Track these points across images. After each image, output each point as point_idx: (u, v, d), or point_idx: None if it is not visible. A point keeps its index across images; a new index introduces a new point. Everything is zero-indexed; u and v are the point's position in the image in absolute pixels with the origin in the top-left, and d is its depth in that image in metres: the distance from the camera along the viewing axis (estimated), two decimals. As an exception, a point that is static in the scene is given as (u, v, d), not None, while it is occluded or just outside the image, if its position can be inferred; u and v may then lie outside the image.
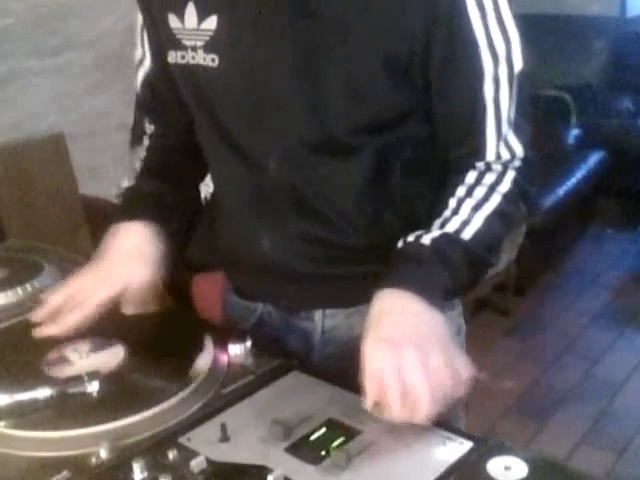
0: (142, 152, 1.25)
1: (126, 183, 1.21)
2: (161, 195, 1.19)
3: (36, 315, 1.07)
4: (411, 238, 1.00)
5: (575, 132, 4.35)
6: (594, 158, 4.20)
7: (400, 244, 1.02)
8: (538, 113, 4.58)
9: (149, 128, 1.26)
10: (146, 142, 1.26)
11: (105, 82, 2.97)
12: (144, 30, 1.19)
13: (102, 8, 2.93)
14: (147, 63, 1.21)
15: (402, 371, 0.86)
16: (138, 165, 1.23)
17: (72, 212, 2.70)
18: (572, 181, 3.91)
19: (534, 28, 5.09)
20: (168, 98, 1.21)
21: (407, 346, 0.88)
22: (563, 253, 3.96)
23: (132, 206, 1.18)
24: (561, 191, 3.79)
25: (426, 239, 0.99)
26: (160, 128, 1.25)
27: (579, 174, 4.00)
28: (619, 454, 2.57)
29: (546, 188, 3.75)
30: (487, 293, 3.37)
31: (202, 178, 1.28)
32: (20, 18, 2.72)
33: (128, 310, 1.08)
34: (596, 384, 2.99)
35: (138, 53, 1.22)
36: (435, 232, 1.00)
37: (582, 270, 3.92)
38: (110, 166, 2.81)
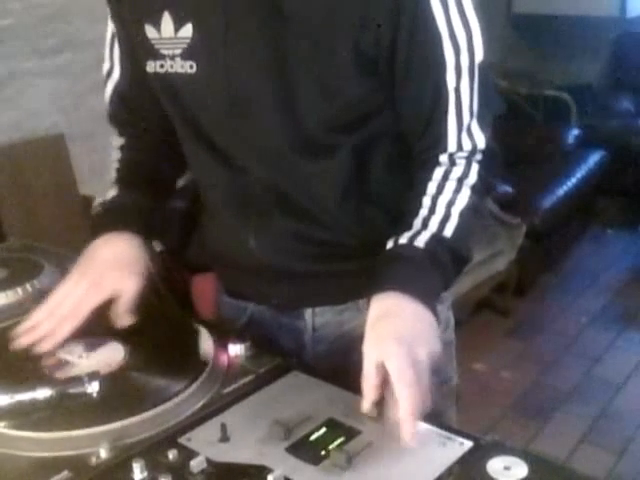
0: (114, 164, 1.24)
1: (109, 194, 1.21)
2: (141, 206, 1.18)
3: (23, 328, 1.05)
4: (403, 240, 1.00)
5: (575, 132, 4.35)
6: (594, 158, 4.20)
7: (391, 245, 1.01)
8: (538, 113, 4.58)
9: (118, 140, 1.25)
10: (117, 155, 1.25)
11: (105, 82, 2.97)
12: (114, 42, 1.20)
13: (102, 8, 2.92)
14: (116, 75, 1.21)
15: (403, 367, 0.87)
16: (113, 176, 1.23)
17: (72, 212, 2.70)
18: (572, 181, 3.91)
19: (534, 28, 5.12)
20: (139, 108, 1.21)
21: (417, 344, 0.89)
22: (563, 253, 3.96)
23: (114, 218, 1.16)
24: (561, 191, 3.79)
25: (419, 242, 0.99)
26: (130, 140, 1.25)
27: (579, 174, 4.00)
28: (619, 454, 2.57)
29: (546, 188, 3.75)
30: (487, 293, 3.37)
31: (174, 187, 1.29)
32: (20, 18, 2.72)
33: (123, 321, 1.07)
34: (596, 384, 2.99)
35: (106, 66, 1.22)
36: (425, 233, 1.00)
37: (582, 270, 3.92)
38: (110, 166, 2.81)
